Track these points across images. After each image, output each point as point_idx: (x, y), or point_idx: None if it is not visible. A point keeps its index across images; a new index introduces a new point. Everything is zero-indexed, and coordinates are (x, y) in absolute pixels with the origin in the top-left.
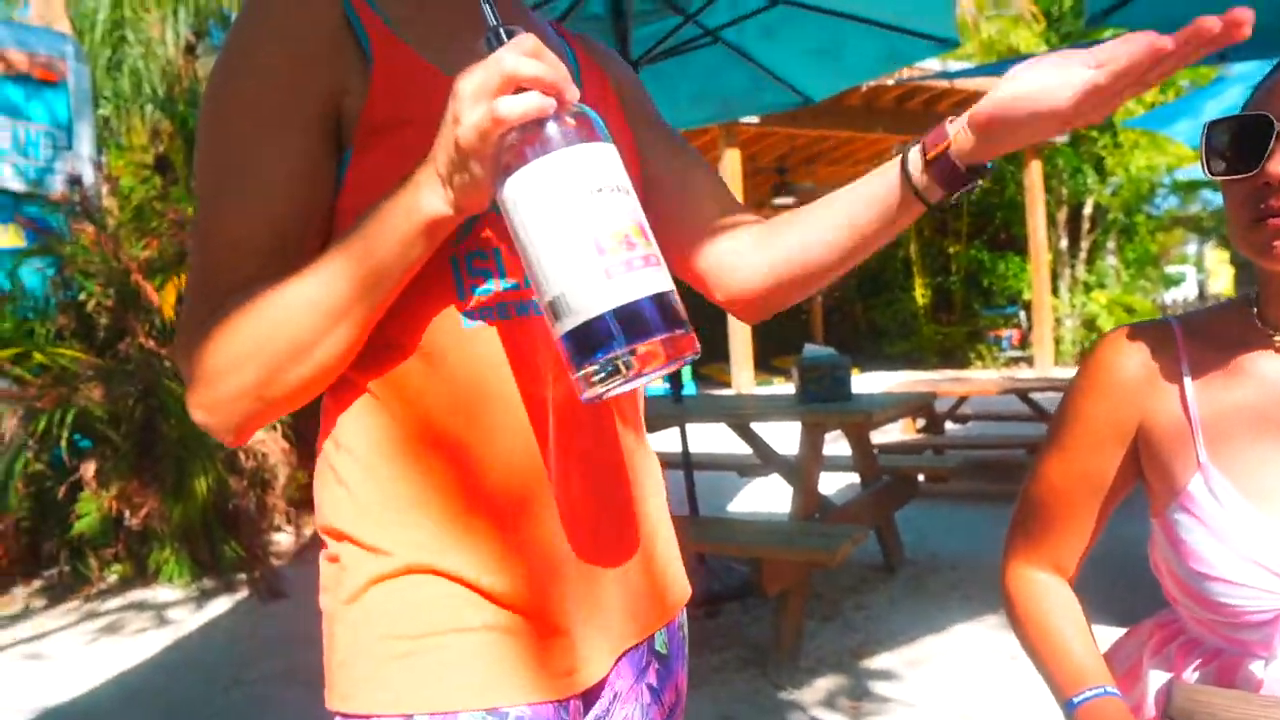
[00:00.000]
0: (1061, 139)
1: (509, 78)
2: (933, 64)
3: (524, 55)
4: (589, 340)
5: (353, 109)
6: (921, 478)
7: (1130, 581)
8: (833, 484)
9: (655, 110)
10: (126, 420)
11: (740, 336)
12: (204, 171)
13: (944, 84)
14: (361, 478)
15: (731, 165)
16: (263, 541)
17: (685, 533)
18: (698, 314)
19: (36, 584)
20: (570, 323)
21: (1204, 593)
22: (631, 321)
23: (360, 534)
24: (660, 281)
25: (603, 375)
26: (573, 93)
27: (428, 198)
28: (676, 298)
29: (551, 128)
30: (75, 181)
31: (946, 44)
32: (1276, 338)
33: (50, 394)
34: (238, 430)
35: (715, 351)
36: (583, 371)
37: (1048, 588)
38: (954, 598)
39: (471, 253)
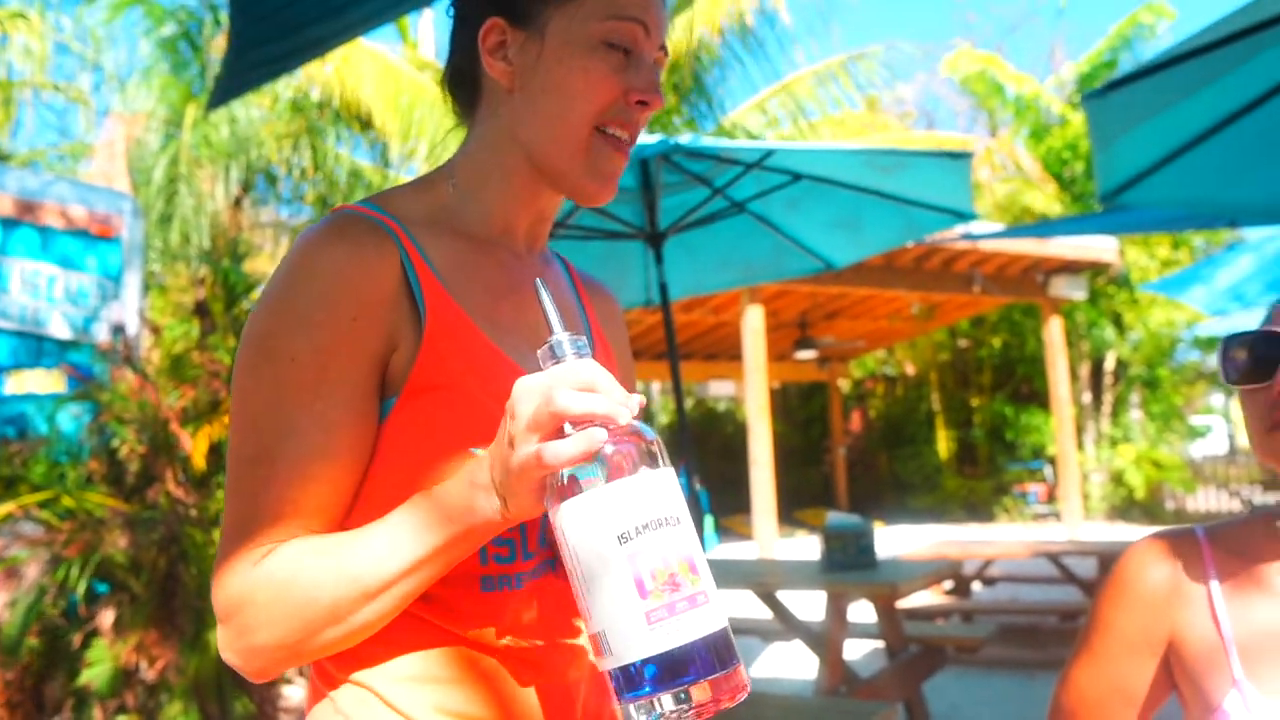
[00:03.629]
0: (1080, 295)
1: (558, 417)
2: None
3: (575, 390)
4: (628, 682)
5: (400, 364)
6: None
7: None
8: (858, 649)
9: (629, 372)
10: (149, 569)
11: (763, 489)
12: (250, 428)
13: (962, 244)
14: (368, 714)
15: (754, 321)
16: (273, 696)
17: None
18: (722, 462)
19: None
20: (610, 663)
21: None
22: (672, 668)
23: None
24: (707, 622)
25: (641, 715)
26: (625, 417)
27: (482, 504)
28: (726, 635)
29: (606, 457)
30: (119, 330)
31: (963, 217)
32: None
33: (76, 541)
34: (264, 674)
35: (737, 504)
36: (622, 707)
37: None
38: None
39: None
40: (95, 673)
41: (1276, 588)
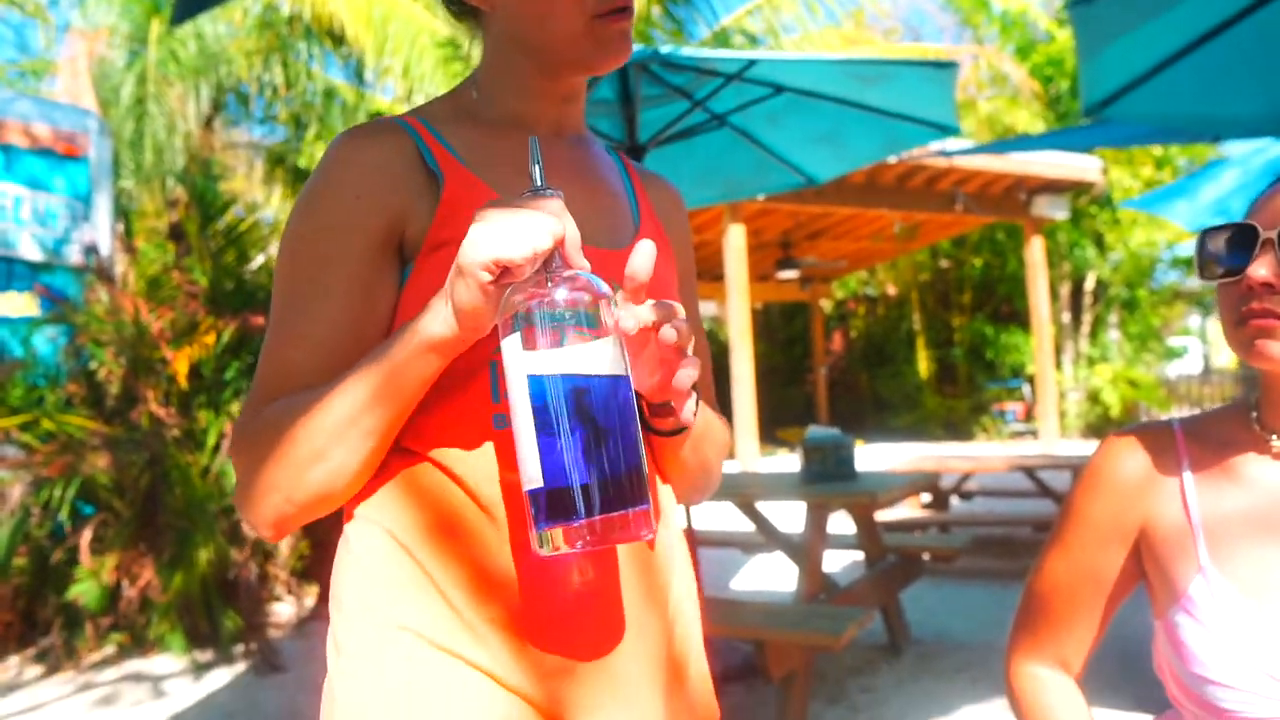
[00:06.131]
0: (1062, 215)
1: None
2: (933, 143)
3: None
4: (540, 505)
5: (417, 232)
6: (927, 556)
7: (1136, 669)
8: (838, 561)
9: (689, 269)
10: (131, 489)
11: (744, 409)
12: (274, 299)
13: (944, 163)
14: (378, 553)
15: (736, 241)
16: (262, 612)
17: None
18: None
19: (31, 651)
20: (527, 485)
21: (1205, 696)
22: (583, 497)
23: (372, 605)
24: (619, 461)
25: (548, 541)
26: (579, 259)
27: (436, 308)
28: (638, 475)
29: (560, 299)
30: (92, 250)
31: (946, 131)
32: (1274, 442)
33: (57, 462)
34: (273, 526)
35: None
36: (533, 532)
37: (1052, 685)
38: (961, 679)
39: None
40: (83, 589)
41: (1246, 476)
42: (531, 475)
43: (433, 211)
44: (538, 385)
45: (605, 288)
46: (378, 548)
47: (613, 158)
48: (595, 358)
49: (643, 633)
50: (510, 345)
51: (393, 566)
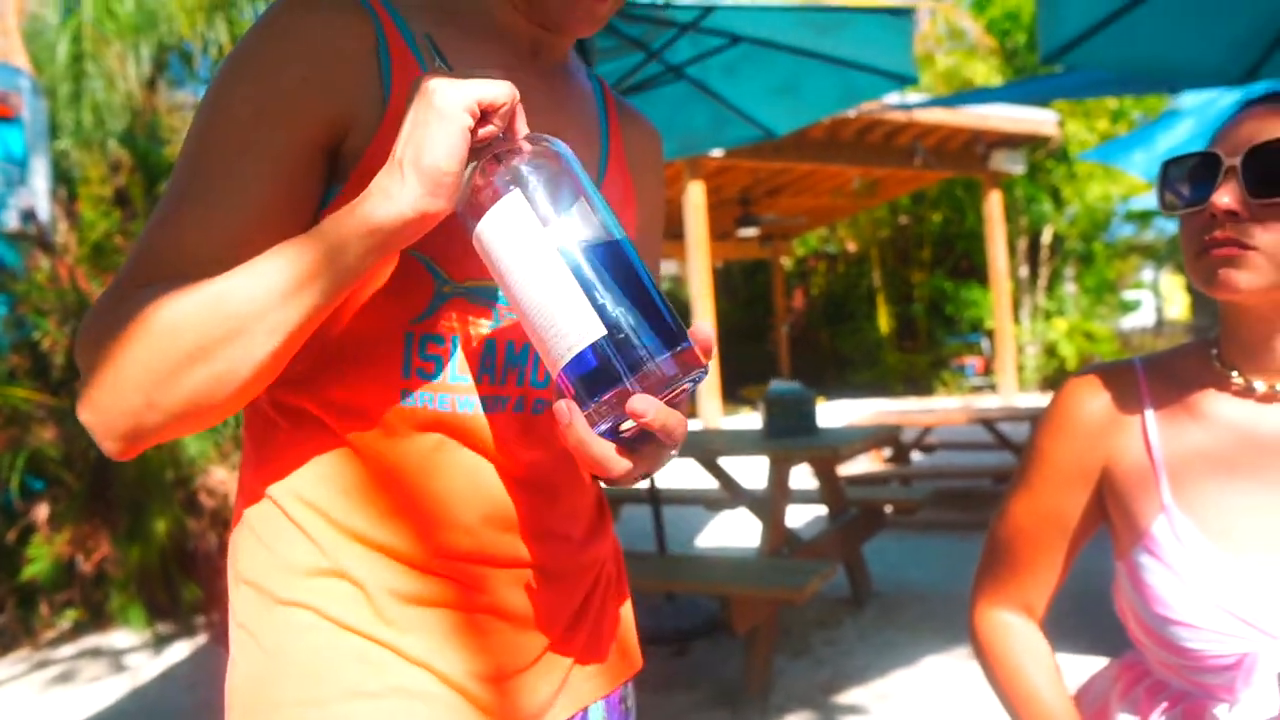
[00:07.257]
0: (1019, 169)
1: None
2: (891, 96)
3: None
4: (587, 376)
5: (357, 143)
6: (889, 509)
7: (1090, 612)
8: (800, 516)
9: (655, 217)
10: (80, 461)
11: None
12: (180, 167)
13: (904, 117)
14: (274, 529)
15: (695, 197)
16: (222, 583)
17: (653, 570)
18: None
19: None
20: (563, 358)
21: (1167, 636)
22: (626, 344)
23: (268, 584)
24: (648, 299)
25: (609, 411)
26: (521, 123)
27: (377, 202)
28: (669, 314)
29: (523, 165)
30: (30, 216)
31: (904, 80)
32: (1235, 378)
33: (1, 435)
34: (124, 438)
35: None
36: (589, 409)
37: (1016, 630)
38: (923, 629)
39: (427, 335)
40: (38, 568)
41: (1208, 413)
42: (575, 338)
43: (377, 120)
44: (566, 247)
45: (560, 146)
46: (275, 525)
47: (595, 91)
48: (596, 211)
49: (560, 593)
50: (514, 210)
51: (294, 547)
